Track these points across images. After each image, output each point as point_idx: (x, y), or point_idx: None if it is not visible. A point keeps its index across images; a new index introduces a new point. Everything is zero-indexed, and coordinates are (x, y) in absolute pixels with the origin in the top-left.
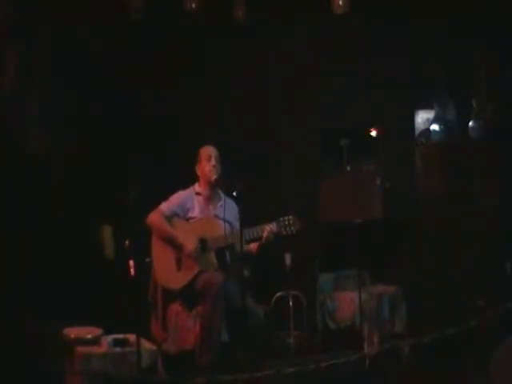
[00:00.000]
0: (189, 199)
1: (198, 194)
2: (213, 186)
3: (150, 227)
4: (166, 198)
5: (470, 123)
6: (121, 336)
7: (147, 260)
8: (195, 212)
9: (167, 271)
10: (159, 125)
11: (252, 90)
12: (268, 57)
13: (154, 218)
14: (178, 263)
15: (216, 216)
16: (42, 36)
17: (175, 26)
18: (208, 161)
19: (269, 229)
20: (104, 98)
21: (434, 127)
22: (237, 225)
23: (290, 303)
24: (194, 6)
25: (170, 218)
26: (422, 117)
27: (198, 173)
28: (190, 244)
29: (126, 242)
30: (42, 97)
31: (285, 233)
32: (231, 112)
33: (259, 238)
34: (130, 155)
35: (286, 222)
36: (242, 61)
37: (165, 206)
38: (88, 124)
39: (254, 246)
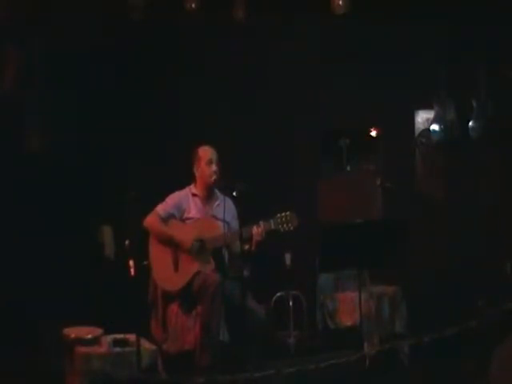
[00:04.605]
0: (185, 200)
1: (194, 195)
2: (211, 187)
3: (147, 230)
4: (165, 198)
5: (470, 123)
6: (121, 336)
7: (145, 263)
8: (192, 213)
9: (165, 273)
10: (159, 125)
11: (252, 90)
12: (268, 57)
13: (151, 220)
14: (176, 264)
15: (213, 216)
16: (42, 36)
17: (175, 26)
18: (208, 164)
19: (257, 230)
20: (104, 97)
21: (434, 127)
22: (235, 224)
23: (290, 303)
24: (193, 6)
25: (166, 219)
26: (422, 117)
27: (196, 174)
28: (188, 241)
29: (126, 242)
30: (41, 97)
31: (282, 230)
32: (231, 112)
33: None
34: (130, 155)
35: (284, 219)
36: (242, 61)
37: (161, 208)
38: (88, 124)
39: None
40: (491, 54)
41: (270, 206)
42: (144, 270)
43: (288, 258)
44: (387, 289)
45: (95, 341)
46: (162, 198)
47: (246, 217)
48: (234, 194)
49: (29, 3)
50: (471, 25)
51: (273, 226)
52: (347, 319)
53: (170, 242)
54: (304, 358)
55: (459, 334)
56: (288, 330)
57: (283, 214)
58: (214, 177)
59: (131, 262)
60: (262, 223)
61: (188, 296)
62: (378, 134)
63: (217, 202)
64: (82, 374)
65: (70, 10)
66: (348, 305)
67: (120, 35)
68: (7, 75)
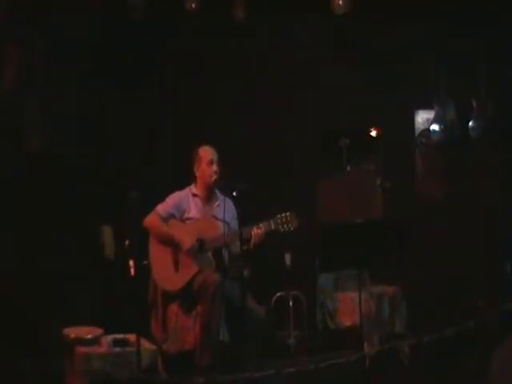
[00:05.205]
0: (185, 200)
1: (194, 195)
2: (211, 188)
3: (147, 229)
4: (165, 198)
5: (470, 123)
6: (121, 336)
7: (145, 262)
8: (192, 213)
9: (165, 273)
10: (159, 125)
11: (252, 90)
12: (268, 57)
13: (151, 220)
14: (176, 264)
15: (213, 216)
16: (42, 36)
17: (175, 26)
18: (209, 165)
19: (257, 231)
20: (104, 97)
21: (434, 127)
22: (235, 225)
23: (290, 303)
24: (193, 5)
25: (166, 219)
26: (422, 117)
27: (197, 174)
28: (188, 241)
29: (126, 242)
30: (41, 97)
31: (282, 230)
32: (231, 112)
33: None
34: (130, 155)
35: (284, 219)
36: (242, 61)
37: (161, 208)
38: (88, 124)
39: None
40: (491, 54)
41: (269, 206)
42: (144, 270)
43: (288, 258)
44: (387, 289)
45: (95, 341)
46: (162, 198)
47: (246, 217)
48: (234, 194)
49: (29, 3)
50: (471, 25)
51: (273, 227)
52: (347, 319)
53: (170, 242)
54: (304, 358)
55: (459, 333)
56: (288, 330)
57: (283, 214)
58: (214, 177)
59: (131, 262)
60: (262, 224)
61: (188, 296)
62: (378, 134)
63: (217, 203)
64: (82, 374)
65: (70, 10)
66: (348, 305)
67: (120, 35)
68: (7, 75)
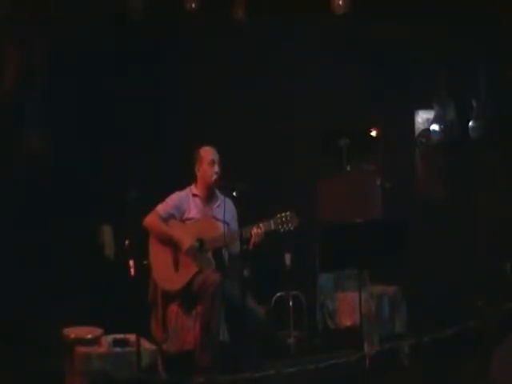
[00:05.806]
0: (185, 200)
1: (195, 195)
2: (211, 188)
3: (147, 229)
4: (165, 198)
5: (470, 123)
6: (121, 336)
7: (145, 262)
8: (192, 213)
9: (165, 273)
10: (160, 125)
11: (252, 90)
12: (268, 57)
13: (151, 220)
14: (176, 264)
15: (213, 217)
16: (43, 36)
17: (175, 26)
18: (210, 165)
19: (257, 231)
20: (104, 97)
21: (434, 127)
22: (235, 225)
23: (290, 303)
24: (193, 6)
25: (166, 219)
26: (422, 117)
27: (198, 174)
28: (187, 241)
29: (126, 242)
30: (42, 97)
31: (282, 230)
32: (231, 112)
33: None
34: (130, 155)
35: (284, 219)
36: (242, 61)
37: (161, 208)
38: (88, 124)
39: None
40: (491, 54)
41: (269, 206)
42: (144, 270)
43: (288, 258)
44: (387, 289)
45: (95, 341)
46: (162, 198)
47: (246, 217)
48: (234, 194)
49: (30, 3)
50: (471, 25)
51: (273, 227)
52: (347, 319)
53: (169, 242)
54: (304, 358)
55: (459, 333)
56: (288, 330)
57: (283, 214)
58: (215, 177)
59: (131, 262)
60: (262, 224)
61: (188, 296)
62: (377, 134)
63: (217, 203)
64: (82, 374)
65: (70, 11)
66: (348, 305)
67: (120, 35)
68: (8, 75)
